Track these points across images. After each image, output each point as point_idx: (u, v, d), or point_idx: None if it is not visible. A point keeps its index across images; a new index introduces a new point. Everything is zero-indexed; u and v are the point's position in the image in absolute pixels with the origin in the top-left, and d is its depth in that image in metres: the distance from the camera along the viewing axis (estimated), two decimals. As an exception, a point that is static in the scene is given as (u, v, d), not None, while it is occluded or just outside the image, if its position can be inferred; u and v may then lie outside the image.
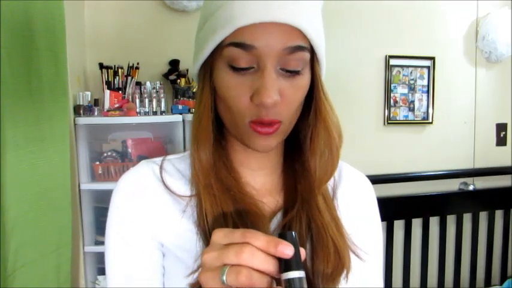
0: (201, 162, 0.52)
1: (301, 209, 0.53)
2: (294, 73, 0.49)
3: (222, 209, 0.50)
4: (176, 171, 0.56)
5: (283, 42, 0.47)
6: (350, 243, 0.55)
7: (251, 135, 0.50)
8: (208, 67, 0.52)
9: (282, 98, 0.48)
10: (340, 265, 0.51)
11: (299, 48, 0.48)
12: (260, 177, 0.57)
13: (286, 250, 0.35)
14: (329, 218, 0.53)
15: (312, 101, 0.53)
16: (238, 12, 0.46)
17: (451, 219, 2.04)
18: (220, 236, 0.38)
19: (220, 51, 0.49)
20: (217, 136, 0.54)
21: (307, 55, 0.49)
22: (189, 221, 0.52)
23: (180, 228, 0.52)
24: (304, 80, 0.50)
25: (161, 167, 0.56)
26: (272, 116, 0.48)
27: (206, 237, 0.49)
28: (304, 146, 0.55)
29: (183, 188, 0.54)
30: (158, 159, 0.58)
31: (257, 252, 0.35)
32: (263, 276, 0.35)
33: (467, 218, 2.07)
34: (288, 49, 0.47)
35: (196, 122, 0.52)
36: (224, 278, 0.35)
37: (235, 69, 0.48)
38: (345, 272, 0.52)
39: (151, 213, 0.53)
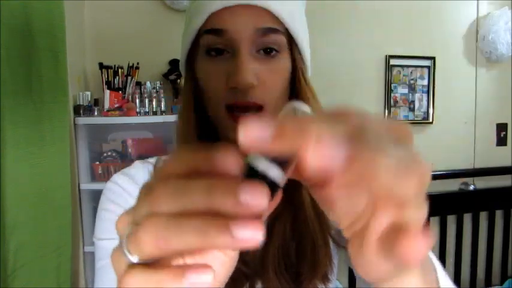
0: None
1: (285, 204, 0.51)
2: (270, 56, 0.49)
3: None
4: None
5: (254, 24, 0.47)
6: (339, 238, 0.53)
7: (230, 124, 0.49)
8: (190, 61, 0.53)
9: (260, 81, 0.48)
10: (316, 266, 0.51)
11: (271, 30, 0.48)
12: None
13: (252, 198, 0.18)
14: (312, 214, 0.52)
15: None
16: (209, 0, 0.48)
17: (451, 220, 2.03)
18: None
19: (198, 43, 0.50)
20: (205, 133, 0.53)
21: (281, 38, 0.49)
22: None
23: None
24: (282, 63, 0.50)
25: (155, 166, 0.57)
26: (249, 100, 0.48)
27: None
28: None
29: None
30: (152, 160, 0.59)
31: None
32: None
33: (467, 218, 2.07)
34: (260, 31, 0.48)
35: (179, 117, 0.53)
36: (125, 248, 0.21)
37: (211, 56, 0.49)
38: (327, 272, 0.52)
39: None
